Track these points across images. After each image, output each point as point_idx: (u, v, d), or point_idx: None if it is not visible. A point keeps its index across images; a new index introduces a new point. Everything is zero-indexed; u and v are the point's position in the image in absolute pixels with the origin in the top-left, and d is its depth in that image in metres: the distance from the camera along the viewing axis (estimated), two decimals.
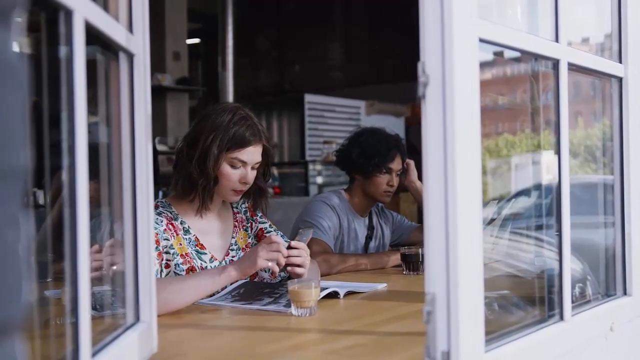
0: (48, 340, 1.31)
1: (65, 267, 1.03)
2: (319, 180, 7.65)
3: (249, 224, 2.50)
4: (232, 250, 2.40)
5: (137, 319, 1.41)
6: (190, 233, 2.29)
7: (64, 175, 1.02)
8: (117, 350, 1.22)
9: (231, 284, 2.20)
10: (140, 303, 1.41)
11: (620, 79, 1.89)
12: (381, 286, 2.42)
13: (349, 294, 2.25)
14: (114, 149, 1.38)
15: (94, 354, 1.11)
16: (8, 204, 0.57)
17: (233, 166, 2.27)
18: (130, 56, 1.39)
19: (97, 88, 1.34)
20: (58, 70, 1.05)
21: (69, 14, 1.03)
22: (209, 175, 2.24)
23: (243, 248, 2.43)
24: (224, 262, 2.33)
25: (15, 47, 0.61)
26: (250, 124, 2.28)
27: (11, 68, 0.59)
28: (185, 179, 2.27)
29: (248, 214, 2.51)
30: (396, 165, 3.10)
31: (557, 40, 1.58)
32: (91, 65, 1.11)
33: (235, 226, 2.45)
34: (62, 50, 1.04)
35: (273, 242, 2.11)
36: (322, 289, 2.08)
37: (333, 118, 8.26)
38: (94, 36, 1.14)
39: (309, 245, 2.89)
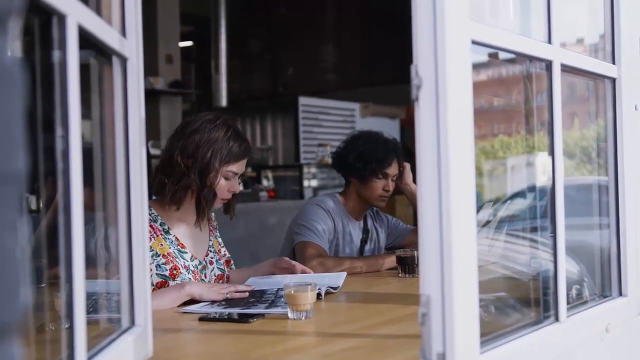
0: (42, 345, 1.31)
1: (60, 272, 1.03)
2: (314, 183, 7.64)
3: (217, 233, 2.61)
4: (210, 251, 2.51)
5: (133, 323, 1.40)
6: (170, 234, 2.38)
7: (59, 180, 1.02)
8: (112, 354, 1.22)
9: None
10: (135, 307, 1.41)
11: (613, 80, 1.89)
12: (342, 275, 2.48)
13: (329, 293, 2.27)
14: (107, 153, 1.38)
15: (90, 358, 1.11)
16: (6, 208, 0.57)
17: (226, 178, 2.38)
18: (123, 60, 1.38)
19: (90, 92, 1.33)
20: (51, 75, 1.04)
21: (62, 18, 1.03)
22: (210, 187, 2.34)
23: (217, 251, 2.55)
24: (204, 262, 2.45)
25: (11, 52, 0.61)
26: (243, 138, 2.42)
27: (8, 73, 0.59)
28: (182, 190, 2.34)
29: (215, 224, 2.62)
30: (393, 170, 3.09)
31: (549, 41, 1.58)
32: (84, 70, 1.11)
33: (210, 231, 2.56)
34: (56, 55, 1.04)
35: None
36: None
37: (327, 120, 8.25)
38: (86, 40, 1.14)
39: (304, 250, 2.90)
